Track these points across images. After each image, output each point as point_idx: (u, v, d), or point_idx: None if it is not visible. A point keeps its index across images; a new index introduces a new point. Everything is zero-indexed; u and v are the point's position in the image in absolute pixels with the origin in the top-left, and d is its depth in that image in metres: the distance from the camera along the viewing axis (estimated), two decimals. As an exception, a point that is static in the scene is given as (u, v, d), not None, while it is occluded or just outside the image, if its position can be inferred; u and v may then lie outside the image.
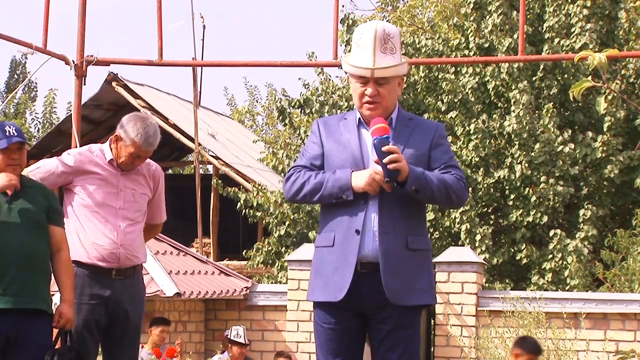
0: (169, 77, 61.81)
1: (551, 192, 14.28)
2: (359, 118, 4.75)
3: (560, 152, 14.41)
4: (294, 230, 15.55)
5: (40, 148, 20.78)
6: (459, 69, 15.65)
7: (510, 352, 7.80)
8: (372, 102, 4.68)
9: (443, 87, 15.44)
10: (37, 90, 33.13)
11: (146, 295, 6.21)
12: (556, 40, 15.00)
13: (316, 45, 53.79)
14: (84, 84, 9.96)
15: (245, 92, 47.70)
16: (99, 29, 52.10)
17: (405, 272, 4.62)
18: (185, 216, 19.54)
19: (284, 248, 15.68)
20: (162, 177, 6.04)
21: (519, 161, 14.57)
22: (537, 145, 14.42)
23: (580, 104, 15.00)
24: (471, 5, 15.76)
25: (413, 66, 16.36)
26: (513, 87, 14.88)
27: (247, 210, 15.98)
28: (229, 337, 10.99)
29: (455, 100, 15.23)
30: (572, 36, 15.03)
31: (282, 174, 16.69)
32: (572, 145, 14.45)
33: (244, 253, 16.78)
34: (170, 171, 27.50)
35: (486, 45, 15.32)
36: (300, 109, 16.40)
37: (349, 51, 4.80)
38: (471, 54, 15.40)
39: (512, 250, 14.65)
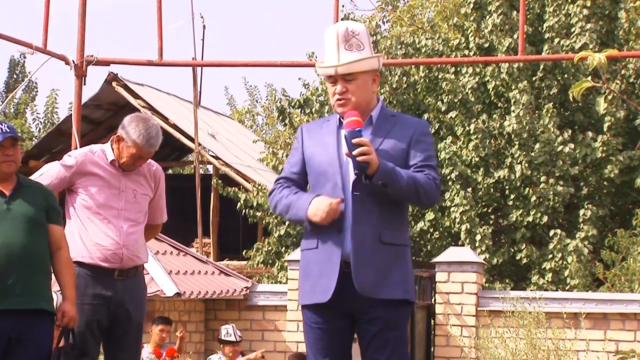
0: (169, 77, 61.83)
1: (551, 192, 14.27)
2: (339, 119, 4.78)
3: (560, 152, 14.41)
4: (294, 230, 15.55)
5: (40, 148, 20.78)
6: (459, 69, 15.65)
7: None
8: (342, 99, 4.71)
9: (443, 87, 15.44)
10: (37, 90, 33.11)
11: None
12: (556, 40, 15.00)
13: (316, 45, 53.80)
14: (84, 84, 9.96)
15: (245, 92, 47.71)
16: (99, 29, 52.12)
17: (378, 265, 4.63)
18: (185, 216, 19.52)
19: (284, 248, 15.69)
20: (162, 178, 6.05)
21: (519, 161, 14.56)
22: (537, 145, 14.42)
23: (580, 104, 15.00)
24: (471, 5, 15.77)
25: (413, 66, 16.38)
26: (513, 87, 14.87)
27: (247, 210, 15.98)
28: (219, 337, 11.00)
29: (455, 100, 15.23)
30: (572, 36, 15.03)
31: (282, 174, 16.67)
32: (572, 145, 14.45)
33: (244, 253, 16.77)
34: (170, 171, 27.50)
35: (486, 45, 15.32)
36: (300, 109, 16.40)
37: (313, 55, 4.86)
38: (471, 54, 15.40)
39: (512, 250, 14.65)
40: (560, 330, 10.94)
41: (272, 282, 15.77)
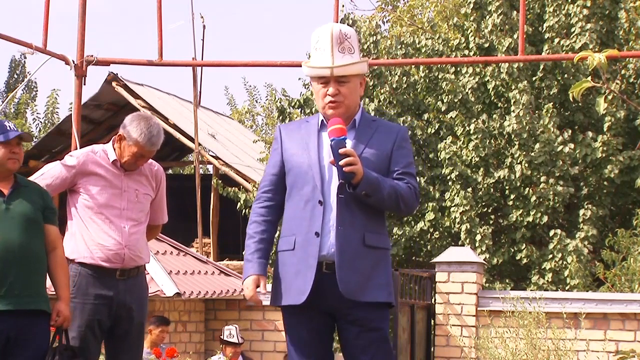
0: (169, 77, 61.82)
1: (551, 192, 14.27)
2: (322, 121, 4.80)
3: (560, 152, 14.41)
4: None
5: (40, 148, 20.78)
6: (459, 69, 15.65)
7: None
8: (334, 101, 4.72)
9: (443, 87, 15.44)
10: (37, 90, 33.11)
11: (146, 295, 6.21)
12: (556, 40, 15.00)
13: (316, 46, 53.65)
14: (84, 84, 9.95)
15: (245, 92, 47.70)
16: (99, 29, 52.11)
17: (361, 268, 4.67)
18: (185, 216, 19.52)
19: (284, 248, 15.66)
20: (164, 178, 6.05)
21: (519, 161, 14.56)
22: (537, 145, 14.42)
23: (580, 104, 14.99)
24: (471, 5, 15.77)
25: (413, 66, 16.38)
26: (513, 87, 14.87)
27: (247, 210, 15.97)
28: (222, 337, 11.00)
29: (455, 100, 15.23)
30: (572, 36, 15.03)
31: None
32: (572, 145, 14.45)
33: (244, 253, 16.73)
34: (170, 171, 27.49)
35: (486, 45, 15.32)
36: (300, 109, 16.39)
37: (309, 57, 4.85)
38: (471, 54, 15.40)
39: (512, 250, 14.65)
40: (560, 330, 10.94)
41: (272, 282, 15.74)
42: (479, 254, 13.43)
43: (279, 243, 4.83)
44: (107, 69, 16.99)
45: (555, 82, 15.04)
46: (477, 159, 14.73)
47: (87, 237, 5.73)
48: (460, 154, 14.75)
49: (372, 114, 14.91)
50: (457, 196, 14.40)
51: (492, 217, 15.19)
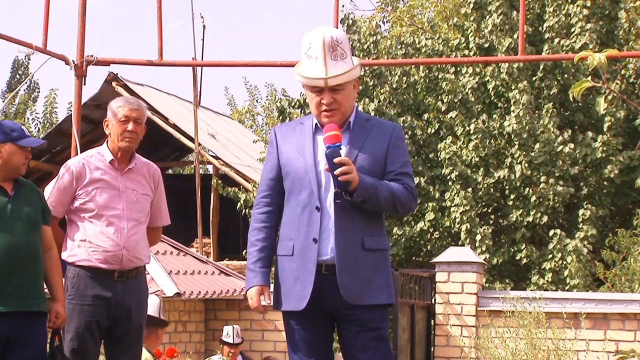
0: (169, 77, 61.81)
1: (551, 192, 14.27)
2: (316, 124, 4.79)
3: (560, 152, 14.41)
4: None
5: (40, 148, 20.77)
6: (459, 69, 15.65)
7: None
8: (330, 109, 4.71)
9: (443, 87, 15.44)
10: (39, 90, 33.11)
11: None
12: (556, 40, 15.00)
13: (316, 46, 53.64)
14: (84, 84, 9.95)
15: (245, 92, 47.70)
16: (99, 29, 52.11)
17: (362, 271, 4.68)
18: (185, 216, 19.50)
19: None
20: (161, 178, 6.05)
21: (519, 161, 14.56)
22: (537, 145, 14.42)
23: (580, 104, 14.99)
24: (471, 5, 15.77)
25: (413, 66, 16.38)
26: (513, 87, 14.87)
27: (247, 210, 15.97)
28: (221, 337, 11.02)
29: (455, 100, 15.23)
30: (572, 36, 15.03)
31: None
32: (572, 145, 14.45)
33: (244, 253, 16.74)
34: (170, 171, 27.48)
35: (486, 45, 15.32)
36: (300, 109, 16.39)
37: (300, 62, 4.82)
38: (471, 54, 15.40)
39: (512, 250, 14.65)
40: (560, 330, 10.93)
41: (272, 282, 15.74)
42: (479, 254, 13.43)
43: (278, 246, 4.83)
44: (107, 69, 17.02)
45: (555, 82, 15.04)
46: (477, 159, 14.73)
47: (85, 239, 5.73)
48: (460, 154, 14.74)
49: (372, 114, 14.90)
50: (457, 196, 14.40)
51: (492, 217, 15.19)
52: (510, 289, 13.49)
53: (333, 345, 4.92)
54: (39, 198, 5.55)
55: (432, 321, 12.15)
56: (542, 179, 14.39)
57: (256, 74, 57.98)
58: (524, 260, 14.44)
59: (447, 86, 15.29)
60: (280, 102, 16.71)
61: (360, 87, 15.28)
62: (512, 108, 14.77)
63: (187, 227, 19.46)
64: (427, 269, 12.86)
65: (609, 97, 14.33)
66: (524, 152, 14.48)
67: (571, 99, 14.30)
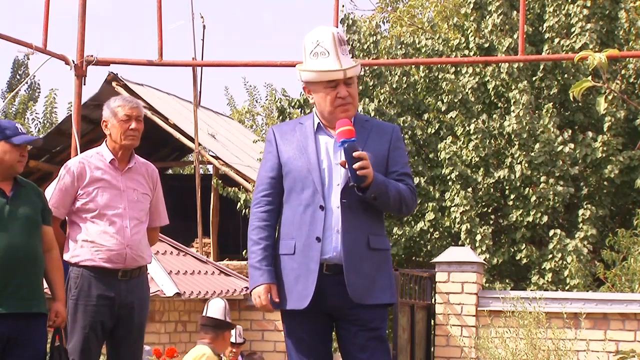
0: (169, 77, 61.81)
1: (551, 192, 14.27)
2: (318, 123, 4.80)
3: (560, 152, 14.41)
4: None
5: (40, 148, 20.75)
6: (459, 69, 15.65)
7: None
8: (346, 103, 4.74)
9: (443, 87, 15.44)
10: (39, 90, 33.12)
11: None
12: (556, 40, 15.00)
13: (316, 46, 53.56)
14: (84, 84, 9.95)
15: (245, 92, 47.71)
16: (99, 29, 52.10)
17: (367, 271, 4.69)
18: (185, 216, 19.50)
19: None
20: (159, 178, 6.07)
21: (519, 161, 14.56)
22: (537, 145, 14.42)
23: (580, 104, 14.99)
24: (471, 5, 15.77)
25: (413, 66, 16.38)
26: (513, 87, 14.87)
27: (247, 210, 15.97)
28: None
29: (455, 100, 15.23)
30: (572, 36, 15.03)
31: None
32: (572, 145, 14.45)
33: (243, 253, 16.74)
34: (170, 171, 27.47)
35: (486, 45, 15.32)
36: (300, 109, 16.39)
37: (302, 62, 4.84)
38: (471, 54, 15.40)
39: (512, 250, 14.65)
40: (560, 330, 10.93)
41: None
42: (479, 254, 13.43)
43: (279, 245, 4.82)
44: (107, 69, 17.00)
45: (555, 82, 15.04)
46: (477, 159, 14.73)
47: (88, 239, 5.74)
48: (460, 154, 14.75)
49: (372, 114, 14.91)
50: (457, 196, 14.40)
51: (492, 217, 15.19)
52: (510, 289, 13.49)
53: (332, 345, 4.91)
54: (39, 198, 5.54)
55: (432, 321, 12.15)
56: (542, 179, 14.39)
57: (256, 74, 58.03)
58: (524, 260, 14.44)
59: (447, 86, 15.29)
60: (280, 102, 16.71)
61: (360, 87, 15.28)
62: (512, 108, 14.77)
63: (187, 227, 19.46)
64: (427, 269, 12.86)
65: (609, 97, 14.33)
66: (524, 152, 14.48)
67: (571, 98, 14.31)
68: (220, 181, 17.79)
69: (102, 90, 19.14)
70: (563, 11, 15.25)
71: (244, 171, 19.40)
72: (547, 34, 15.14)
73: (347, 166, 4.60)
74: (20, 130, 5.49)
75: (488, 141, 14.82)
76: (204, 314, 7.92)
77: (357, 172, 4.57)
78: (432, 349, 12.03)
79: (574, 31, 15.01)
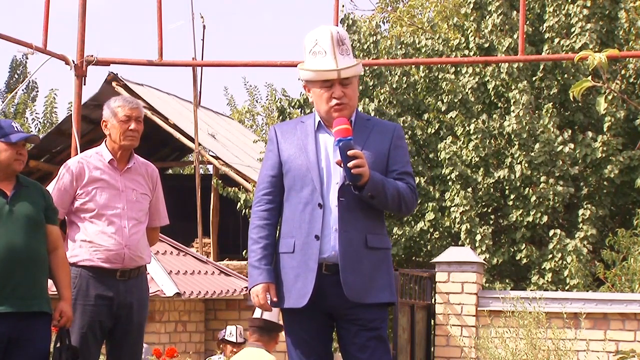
0: (169, 77, 61.81)
1: (551, 192, 14.27)
2: (319, 122, 4.80)
3: (560, 152, 14.41)
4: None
5: (40, 148, 20.75)
6: (459, 69, 15.65)
7: None
8: (341, 103, 4.72)
9: (443, 87, 15.44)
10: (37, 90, 33.09)
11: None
12: (556, 40, 15.00)
13: (316, 45, 53.51)
14: (84, 84, 9.95)
15: (245, 92, 47.71)
16: (99, 29, 52.11)
17: (364, 270, 4.68)
18: (185, 216, 19.50)
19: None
20: (159, 179, 6.07)
21: (519, 161, 14.56)
22: (537, 145, 14.42)
23: (580, 104, 14.99)
24: (471, 5, 15.77)
25: (413, 66, 16.37)
26: (513, 87, 14.87)
27: (247, 210, 15.97)
28: (223, 337, 10.97)
29: (455, 100, 15.23)
30: (572, 36, 15.03)
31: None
32: (572, 145, 14.45)
33: (244, 253, 16.73)
34: (170, 171, 27.47)
35: (486, 45, 15.32)
36: (300, 109, 16.39)
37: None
38: (471, 54, 15.40)
39: (512, 250, 14.65)
40: (560, 330, 10.94)
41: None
42: (479, 254, 13.43)
43: (279, 244, 4.82)
44: (107, 69, 17.01)
45: (555, 82, 15.04)
46: (477, 159, 14.73)
47: (87, 239, 5.74)
48: (460, 154, 14.74)
49: (372, 114, 14.90)
50: (457, 196, 14.40)
51: (492, 217, 15.19)
52: (510, 289, 13.49)
53: (333, 345, 4.91)
54: (43, 198, 5.52)
55: (432, 321, 12.15)
56: (542, 179, 14.39)
57: (256, 74, 58.00)
58: (524, 260, 14.44)
59: (447, 86, 15.29)
60: (280, 102, 16.71)
61: (360, 87, 15.27)
62: (512, 108, 14.77)
63: (187, 227, 19.46)
64: (427, 269, 12.86)
65: (609, 97, 14.33)
66: (524, 152, 14.48)
67: (571, 98, 14.30)
68: (220, 181, 17.79)
69: (102, 90, 19.14)
70: (563, 11, 15.25)
71: (244, 171, 19.40)
72: (547, 34, 15.14)
73: (342, 165, 4.61)
74: (16, 129, 5.47)
75: (488, 141, 14.82)
76: (257, 316, 7.86)
77: (352, 171, 4.57)
78: (432, 349, 12.03)
79: (574, 31, 15.01)
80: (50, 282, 5.54)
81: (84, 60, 9.90)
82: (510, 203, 14.70)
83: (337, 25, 9.94)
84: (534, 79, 15.12)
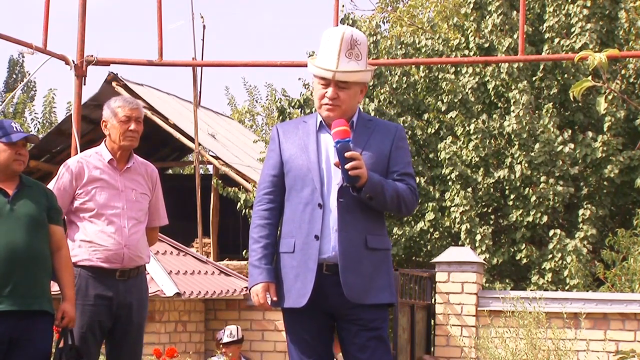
0: (169, 77, 61.80)
1: (551, 192, 14.27)
2: (320, 122, 4.80)
3: (560, 152, 14.41)
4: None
5: (40, 148, 20.76)
6: (459, 69, 15.65)
7: None
8: (331, 104, 4.72)
9: (443, 87, 15.44)
10: (35, 90, 33.08)
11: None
12: (556, 40, 15.00)
13: (316, 45, 53.63)
14: (84, 84, 9.95)
15: (245, 92, 47.69)
16: (99, 29, 52.11)
17: (364, 271, 4.69)
18: (185, 216, 19.52)
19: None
20: (158, 179, 6.07)
21: (519, 161, 14.56)
22: (537, 145, 14.42)
23: (580, 104, 14.99)
24: (471, 5, 15.77)
25: (413, 66, 16.37)
26: (513, 87, 14.87)
27: (247, 210, 15.97)
28: (222, 340, 10.96)
29: (455, 100, 15.23)
30: (572, 36, 15.03)
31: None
32: (572, 145, 14.45)
33: (244, 253, 16.73)
34: (170, 171, 27.48)
35: (486, 45, 15.32)
36: (300, 109, 16.39)
37: (314, 54, 4.84)
38: (471, 54, 15.40)
39: (512, 250, 14.65)
40: (560, 330, 10.93)
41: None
42: (479, 254, 13.43)
43: (280, 244, 4.83)
44: (107, 69, 17.02)
45: (555, 82, 15.04)
46: (477, 159, 14.73)
47: (86, 238, 5.74)
48: (460, 154, 14.74)
49: (372, 114, 14.90)
50: (457, 196, 14.40)
51: (492, 217, 15.19)
52: (510, 289, 13.49)
53: (333, 345, 4.91)
54: (45, 197, 5.51)
55: (432, 321, 12.15)
56: (542, 179, 14.39)
57: (256, 74, 57.99)
58: (524, 260, 14.44)
59: (447, 86, 15.29)
60: (280, 102, 16.71)
61: (360, 87, 15.24)
62: (512, 108, 14.77)
63: (187, 227, 19.48)
64: (427, 269, 12.86)
65: (609, 97, 14.33)
66: (524, 152, 14.48)
67: (571, 98, 14.30)
68: (220, 181, 17.79)
69: (102, 90, 19.15)
70: (563, 11, 15.25)
71: (244, 171, 19.41)
72: (547, 34, 15.14)
73: (340, 166, 4.61)
74: (15, 129, 5.47)
75: (488, 141, 14.82)
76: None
77: (350, 173, 4.58)
78: (432, 349, 12.03)
79: (574, 31, 15.01)
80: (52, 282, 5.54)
81: (84, 60, 9.90)
82: (510, 203, 14.70)
83: (338, 24, 9.93)
84: (534, 79, 15.12)
